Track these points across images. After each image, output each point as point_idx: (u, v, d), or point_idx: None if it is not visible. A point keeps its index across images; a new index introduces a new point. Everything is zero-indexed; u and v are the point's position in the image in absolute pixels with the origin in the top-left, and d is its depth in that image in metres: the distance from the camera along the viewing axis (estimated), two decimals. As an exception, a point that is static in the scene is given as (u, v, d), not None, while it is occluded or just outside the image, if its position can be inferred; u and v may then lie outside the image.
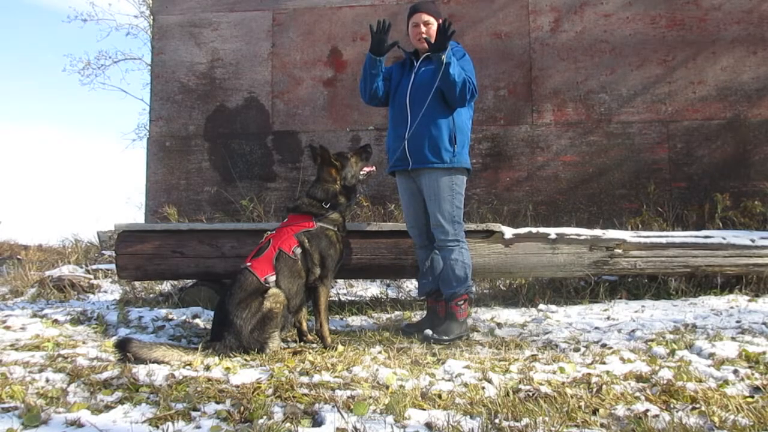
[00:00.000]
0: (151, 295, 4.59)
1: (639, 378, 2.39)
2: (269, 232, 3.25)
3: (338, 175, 3.33)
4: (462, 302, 3.36)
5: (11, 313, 3.90)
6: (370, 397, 2.15)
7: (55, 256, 6.46)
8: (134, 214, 16.35)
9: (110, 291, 4.86)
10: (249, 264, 3.08)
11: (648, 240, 4.19)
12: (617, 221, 5.13)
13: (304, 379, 2.39)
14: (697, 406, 2.04)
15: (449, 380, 2.43)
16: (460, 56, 3.40)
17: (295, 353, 2.95)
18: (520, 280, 4.54)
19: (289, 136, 5.89)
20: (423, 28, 3.43)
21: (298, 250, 3.12)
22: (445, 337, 3.27)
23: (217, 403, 2.11)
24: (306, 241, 3.16)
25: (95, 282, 5.00)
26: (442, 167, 3.35)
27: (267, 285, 3.01)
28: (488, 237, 4.05)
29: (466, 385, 2.33)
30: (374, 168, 3.55)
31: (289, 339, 3.37)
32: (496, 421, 1.92)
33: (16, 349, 2.95)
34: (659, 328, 3.38)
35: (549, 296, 4.34)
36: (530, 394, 2.17)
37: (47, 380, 2.39)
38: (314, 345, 3.23)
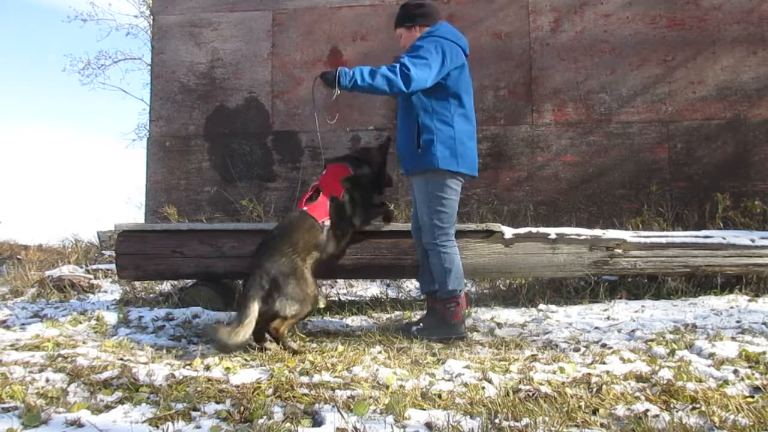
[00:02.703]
0: (151, 295, 4.59)
1: (639, 378, 2.39)
2: (314, 183, 3.49)
3: (377, 162, 3.66)
4: (451, 305, 3.34)
5: (11, 313, 3.90)
6: (370, 397, 2.15)
7: (55, 256, 6.46)
8: (134, 214, 16.34)
9: (110, 291, 4.86)
10: (306, 208, 3.31)
11: (648, 240, 4.19)
12: (617, 221, 5.13)
13: (304, 379, 2.39)
14: (697, 406, 2.04)
15: (449, 380, 2.43)
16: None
17: (294, 353, 2.96)
18: (520, 280, 4.53)
19: (289, 136, 5.89)
20: (401, 42, 3.51)
21: (347, 196, 3.41)
22: (424, 334, 3.27)
23: (217, 403, 2.11)
24: (349, 186, 3.44)
25: (95, 282, 5.00)
26: (414, 172, 3.39)
27: (322, 227, 3.27)
28: (488, 237, 4.05)
29: (466, 385, 2.33)
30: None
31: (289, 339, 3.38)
32: (496, 421, 1.92)
33: (16, 349, 2.95)
34: (659, 328, 3.37)
35: (549, 296, 4.34)
36: (530, 394, 2.18)
37: (47, 380, 2.39)
38: (313, 345, 3.23)
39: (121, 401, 2.14)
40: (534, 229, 4.16)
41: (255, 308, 2.91)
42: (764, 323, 3.38)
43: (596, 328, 3.52)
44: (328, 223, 3.30)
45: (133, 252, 4.08)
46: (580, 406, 2.04)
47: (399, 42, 3.57)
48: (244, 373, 2.49)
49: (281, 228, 3.28)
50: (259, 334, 3.10)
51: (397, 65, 3.15)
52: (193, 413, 2.01)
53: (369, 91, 3.20)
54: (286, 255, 3.10)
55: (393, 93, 3.22)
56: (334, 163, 3.63)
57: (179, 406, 2.05)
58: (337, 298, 4.53)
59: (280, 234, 3.21)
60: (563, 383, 2.32)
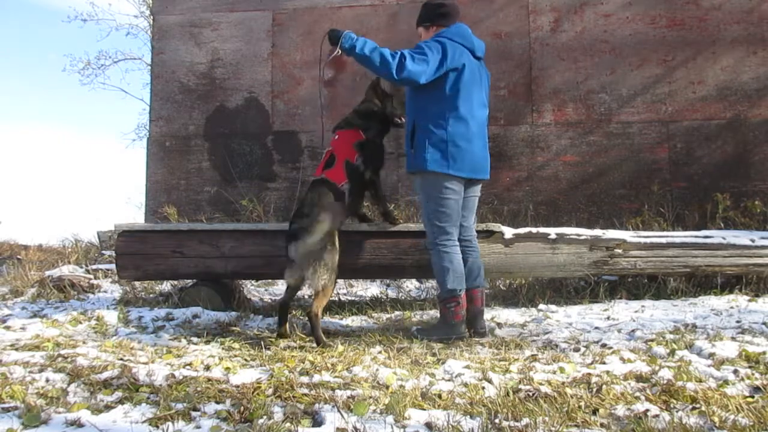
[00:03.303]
0: (151, 295, 4.59)
1: (639, 378, 2.39)
2: (328, 149, 3.64)
3: (381, 101, 3.74)
4: (451, 304, 3.33)
5: (11, 313, 3.90)
6: (370, 397, 2.15)
7: (55, 256, 6.45)
8: (134, 214, 16.33)
9: (110, 291, 4.86)
10: (324, 174, 3.51)
11: (648, 240, 4.19)
12: (617, 221, 5.13)
13: (304, 379, 2.39)
14: (697, 406, 2.04)
15: (449, 380, 2.43)
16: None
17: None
18: (520, 280, 4.54)
19: (289, 136, 5.89)
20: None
21: (360, 160, 3.57)
22: (424, 334, 3.29)
23: (217, 403, 2.11)
24: (361, 150, 3.60)
25: (95, 282, 5.00)
26: (412, 171, 3.46)
27: (342, 190, 3.47)
28: (488, 237, 4.05)
29: (466, 385, 2.33)
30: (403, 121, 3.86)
31: (289, 340, 3.38)
32: (496, 421, 1.92)
33: (16, 349, 2.95)
34: (659, 328, 3.38)
35: (549, 296, 4.34)
36: (530, 394, 2.18)
37: (47, 380, 2.39)
38: (313, 345, 3.23)
39: (121, 401, 2.14)
40: (534, 229, 4.16)
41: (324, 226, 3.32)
42: (764, 323, 3.38)
43: (596, 328, 3.52)
44: (347, 186, 3.50)
45: (133, 252, 4.08)
46: (580, 406, 2.04)
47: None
48: (244, 373, 2.49)
49: (312, 197, 3.46)
50: (283, 310, 3.41)
51: (398, 53, 3.21)
52: (193, 413, 2.01)
53: (362, 61, 3.25)
54: (326, 221, 3.34)
55: (383, 74, 3.27)
56: (344, 128, 3.70)
57: (179, 406, 2.05)
58: (337, 298, 4.53)
59: (312, 202, 3.42)
60: (563, 383, 2.32)
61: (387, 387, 2.29)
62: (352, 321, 3.94)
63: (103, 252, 6.04)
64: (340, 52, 3.28)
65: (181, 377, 2.42)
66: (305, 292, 4.07)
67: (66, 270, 5.08)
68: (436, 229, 3.36)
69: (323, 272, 3.27)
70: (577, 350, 2.98)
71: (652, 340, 3.07)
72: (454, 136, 3.29)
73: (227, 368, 2.57)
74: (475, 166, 3.40)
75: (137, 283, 4.72)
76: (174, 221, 5.51)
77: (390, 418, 1.94)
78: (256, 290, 4.84)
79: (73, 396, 2.22)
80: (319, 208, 3.38)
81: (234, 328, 3.64)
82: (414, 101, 3.40)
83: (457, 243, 3.40)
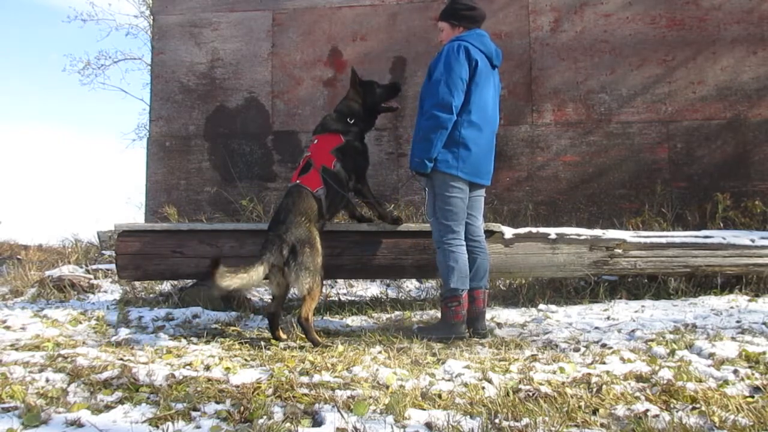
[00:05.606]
0: (151, 295, 4.59)
1: (639, 378, 2.39)
2: (306, 154, 3.60)
3: (359, 96, 3.70)
4: (453, 304, 3.34)
5: (11, 313, 3.90)
6: (370, 397, 2.15)
7: (55, 256, 6.45)
8: (134, 214, 16.30)
9: (110, 291, 4.86)
10: (299, 181, 3.47)
11: (648, 240, 4.19)
12: (617, 221, 5.13)
13: (304, 379, 2.40)
14: (697, 406, 2.04)
15: (449, 380, 2.43)
16: (433, 70, 3.40)
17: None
18: (520, 280, 4.54)
19: (289, 136, 5.89)
20: (441, 36, 3.59)
21: (338, 165, 3.53)
22: (424, 333, 3.31)
23: (217, 403, 2.11)
24: (340, 155, 3.55)
25: (95, 282, 4.99)
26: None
27: (318, 196, 3.44)
28: (488, 237, 4.03)
29: (466, 385, 2.33)
30: (398, 105, 3.92)
31: (289, 341, 3.38)
32: (496, 421, 1.92)
33: (16, 349, 2.95)
34: (659, 328, 3.38)
35: (549, 296, 4.34)
36: (530, 394, 2.18)
37: (47, 380, 2.39)
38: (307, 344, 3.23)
39: (121, 401, 2.14)
40: (534, 229, 4.16)
41: (260, 271, 3.19)
42: (764, 323, 3.38)
43: (596, 328, 3.52)
44: (322, 191, 3.45)
45: (133, 252, 4.07)
46: (580, 406, 2.04)
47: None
48: (244, 373, 2.49)
49: (287, 203, 3.43)
50: (274, 320, 3.37)
51: (441, 104, 3.26)
52: (193, 413, 2.01)
53: (437, 141, 3.30)
54: (302, 225, 3.33)
55: (450, 122, 3.30)
56: (322, 133, 3.63)
57: (179, 406, 2.05)
58: (337, 298, 4.53)
59: (287, 208, 3.39)
60: (563, 383, 2.32)
61: (387, 387, 2.29)
62: (352, 321, 3.94)
63: (103, 252, 6.04)
64: (422, 178, 3.45)
65: (181, 377, 2.42)
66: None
67: (66, 270, 5.08)
68: (443, 227, 3.38)
69: (306, 276, 3.24)
70: (577, 350, 2.98)
71: (652, 340, 3.07)
72: (467, 140, 3.36)
73: (227, 368, 2.57)
74: (479, 171, 3.45)
75: (137, 283, 4.72)
76: (174, 221, 5.51)
77: (390, 418, 1.94)
78: (256, 290, 4.84)
79: (73, 396, 2.22)
80: (293, 215, 3.34)
81: (234, 328, 3.64)
82: (427, 105, 3.42)
83: (464, 242, 3.42)
